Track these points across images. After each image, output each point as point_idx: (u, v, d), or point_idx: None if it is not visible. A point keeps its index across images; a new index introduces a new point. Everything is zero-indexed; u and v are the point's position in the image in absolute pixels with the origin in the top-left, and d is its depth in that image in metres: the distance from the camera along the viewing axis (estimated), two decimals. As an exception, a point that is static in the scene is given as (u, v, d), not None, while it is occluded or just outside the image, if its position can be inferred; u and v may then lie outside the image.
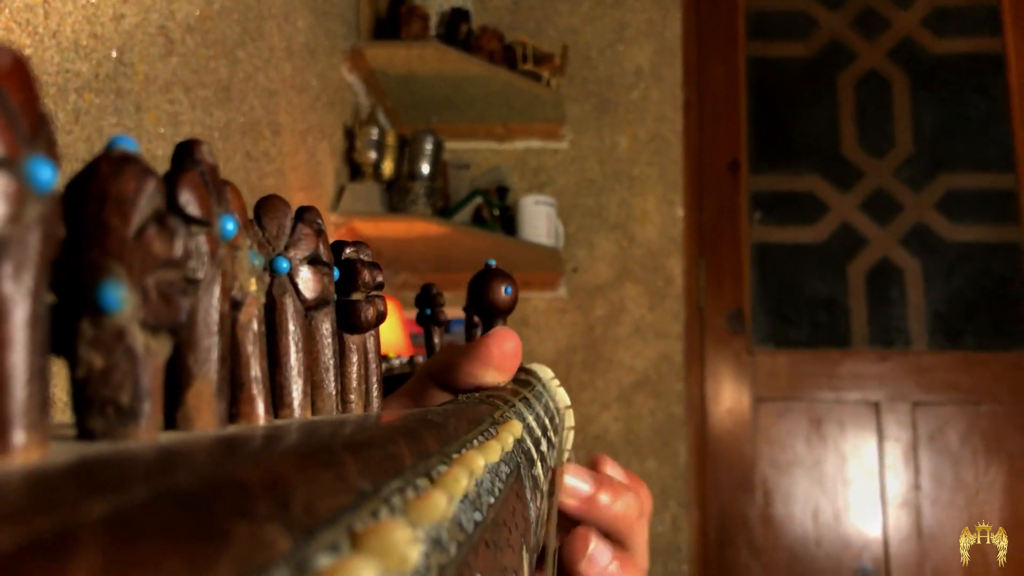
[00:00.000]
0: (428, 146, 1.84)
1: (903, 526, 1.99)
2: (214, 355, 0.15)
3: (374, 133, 1.80)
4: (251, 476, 0.10)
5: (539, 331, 2.08)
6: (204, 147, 0.15)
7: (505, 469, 0.20)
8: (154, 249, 0.13)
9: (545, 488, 0.26)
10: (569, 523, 0.34)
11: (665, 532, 1.97)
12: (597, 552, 0.32)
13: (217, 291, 0.15)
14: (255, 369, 0.16)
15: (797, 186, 2.22)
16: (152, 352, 0.13)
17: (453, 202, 1.95)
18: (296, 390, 0.18)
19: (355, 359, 0.22)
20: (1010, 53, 2.20)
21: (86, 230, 0.12)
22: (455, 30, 1.91)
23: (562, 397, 0.37)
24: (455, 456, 0.17)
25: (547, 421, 0.31)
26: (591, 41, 2.21)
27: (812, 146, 2.24)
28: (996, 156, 2.17)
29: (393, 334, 1.64)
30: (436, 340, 0.39)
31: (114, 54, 0.97)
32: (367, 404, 0.24)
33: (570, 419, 0.37)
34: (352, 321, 0.22)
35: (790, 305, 2.16)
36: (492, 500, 0.17)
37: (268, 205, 0.19)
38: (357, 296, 0.22)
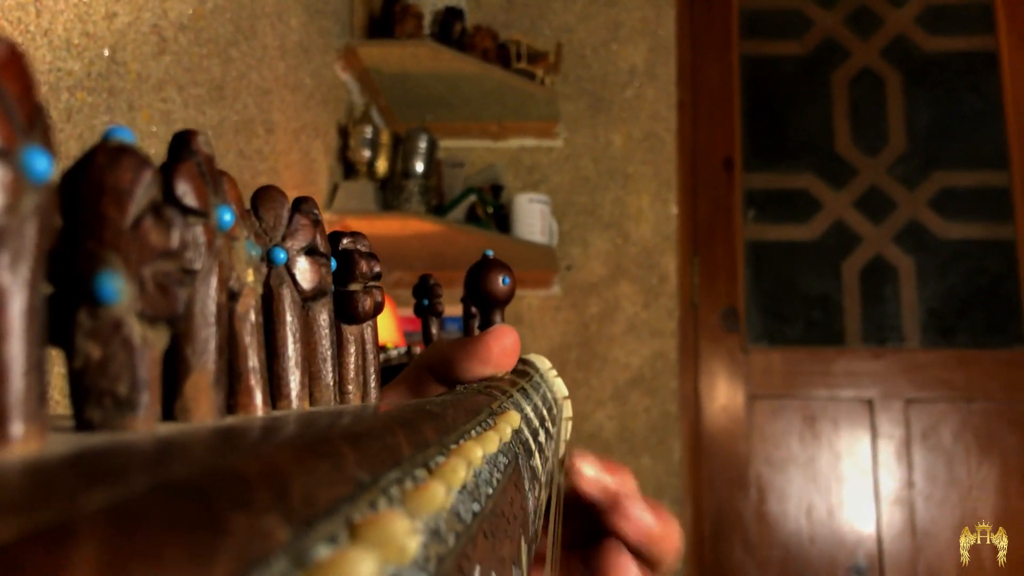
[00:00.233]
0: (422, 144, 1.84)
1: (896, 523, 2.00)
2: (211, 346, 0.14)
3: (368, 131, 1.79)
4: (249, 467, 0.10)
5: (533, 329, 2.08)
6: (200, 138, 0.14)
7: (503, 460, 0.20)
8: (151, 240, 0.13)
9: (544, 479, 0.26)
10: (574, 517, 0.34)
11: (660, 530, 1.97)
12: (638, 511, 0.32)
13: (214, 282, 0.15)
14: (253, 360, 0.16)
15: (791, 184, 2.23)
16: (149, 343, 0.13)
17: (447, 200, 1.95)
18: (294, 381, 0.18)
19: (353, 350, 0.22)
20: (1003, 51, 2.21)
21: (83, 221, 0.12)
22: (449, 29, 1.91)
23: (560, 387, 0.37)
24: (453, 447, 0.17)
25: (545, 412, 0.31)
26: (585, 39, 2.21)
27: (806, 144, 2.25)
28: (989, 154, 2.17)
29: (387, 332, 1.64)
30: (434, 331, 0.39)
31: (106, 52, 0.97)
32: (365, 395, 0.24)
33: (568, 410, 0.37)
34: (350, 312, 0.22)
35: (784, 303, 2.16)
36: (490, 491, 0.17)
37: (265, 196, 0.19)
38: (355, 287, 0.22)
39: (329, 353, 0.20)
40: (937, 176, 2.18)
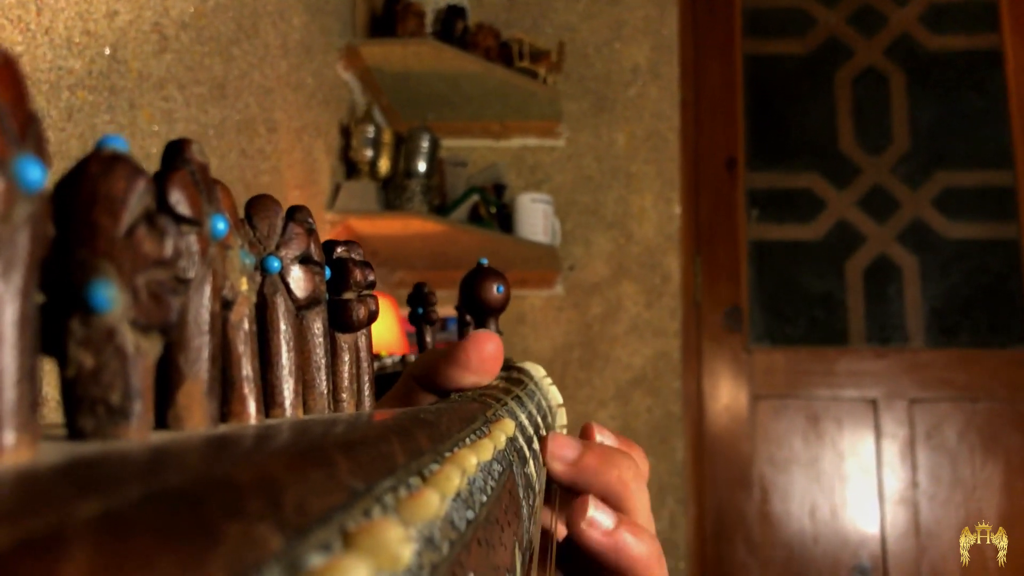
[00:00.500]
0: (424, 144, 1.84)
1: (900, 523, 1.99)
2: (205, 354, 0.14)
3: (370, 131, 1.79)
4: (243, 475, 0.10)
5: (536, 329, 2.08)
6: (194, 146, 0.14)
7: (498, 467, 0.20)
8: (144, 249, 0.13)
9: (537, 487, 0.26)
10: (570, 498, 0.33)
11: (662, 529, 1.97)
12: (597, 515, 0.31)
13: (208, 290, 0.15)
14: (246, 368, 0.16)
15: (794, 183, 2.22)
16: (142, 351, 0.13)
17: (450, 200, 1.95)
18: (287, 389, 0.18)
19: (347, 358, 0.22)
20: (1007, 50, 2.21)
21: (76, 229, 0.12)
22: (451, 27, 1.90)
23: (554, 395, 0.37)
24: (447, 454, 0.17)
25: (539, 419, 0.31)
26: (588, 38, 2.21)
27: (809, 143, 2.24)
28: (993, 153, 2.17)
29: (389, 332, 1.64)
30: (428, 339, 0.39)
31: (108, 51, 0.97)
32: (359, 403, 0.24)
33: (562, 417, 0.37)
34: (344, 320, 0.22)
35: (787, 302, 2.16)
36: (485, 498, 0.17)
37: (259, 204, 0.19)
38: (348, 295, 0.22)
39: (323, 361, 0.20)
40: (940, 175, 2.18)
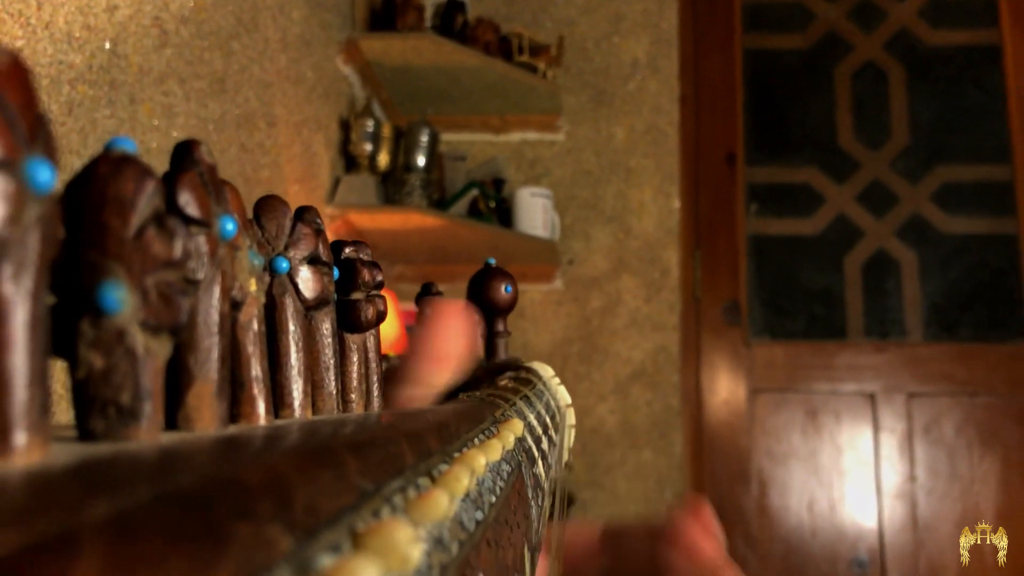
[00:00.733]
0: (424, 138, 1.83)
1: (898, 517, 2.00)
2: (214, 355, 0.15)
3: (370, 125, 1.79)
4: (252, 476, 0.10)
5: (535, 323, 2.08)
6: (203, 147, 0.14)
7: (506, 467, 0.20)
8: (154, 250, 0.13)
9: (547, 487, 0.26)
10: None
11: (661, 523, 1.97)
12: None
13: (217, 291, 0.15)
14: (256, 369, 0.16)
15: (793, 178, 2.22)
16: (152, 353, 0.13)
17: (449, 194, 1.95)
18: (297, 390, 0.18)
19: (355, 358, 0.22)
20: (1007, 45, 2.20)
21: (85, 231, 0.12)
22: (451, 21, 1.90)
23: (563, 395, 0.37)
24: (456, 455, 0.17)
25: (548, 419, 0.31)
26: (587, 32, 2.20)
27: (808, 138, 2.24)
28: (992, 148, 2.17)
29: (389, 326, 1.64)
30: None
31: (108, 45, 0.97)
32: (368, 403, 0.24)
33: (571, 417, 0.37)
34: (352, 320, 0.22)
35: (786, 297, 2.16)
36: (494, 499, 0.17)
37: (267, 205, 0.19)
38: (357, 295, 0.22)
39: (332, 362, 0.20)
40: (940, 170, 2.18)
